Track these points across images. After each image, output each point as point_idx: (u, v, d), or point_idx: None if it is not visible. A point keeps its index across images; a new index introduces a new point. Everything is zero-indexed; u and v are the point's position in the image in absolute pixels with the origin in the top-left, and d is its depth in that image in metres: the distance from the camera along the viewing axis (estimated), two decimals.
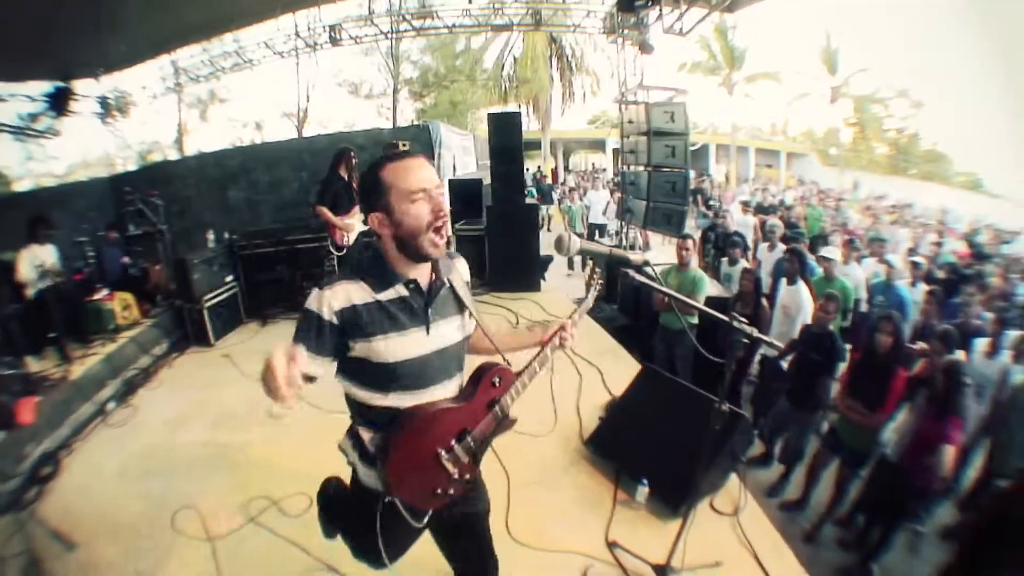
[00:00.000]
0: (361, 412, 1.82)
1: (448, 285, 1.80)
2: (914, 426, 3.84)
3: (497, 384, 1.86)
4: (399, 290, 1.69)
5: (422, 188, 1.60)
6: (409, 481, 1.75)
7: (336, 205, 6.18)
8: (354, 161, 6.30)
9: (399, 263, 1.68)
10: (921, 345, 4.99)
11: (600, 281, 2.28)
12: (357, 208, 6.27)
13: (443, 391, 1.81)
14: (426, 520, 1.86)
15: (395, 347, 1.67)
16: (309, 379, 1.53)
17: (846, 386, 4.44)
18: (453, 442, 1.78)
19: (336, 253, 6.36)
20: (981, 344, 4.90)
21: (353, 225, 6.31)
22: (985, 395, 4.57)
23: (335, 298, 1.61)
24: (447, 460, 1.76)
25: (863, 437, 4.21)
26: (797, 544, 3.90)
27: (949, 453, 3.57)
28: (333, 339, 1.62)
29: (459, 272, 1.89)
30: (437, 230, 1.62)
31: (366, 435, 1.81)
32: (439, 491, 1.80)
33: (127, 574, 3.11)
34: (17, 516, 3.59)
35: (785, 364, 5.27)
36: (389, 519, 1.83)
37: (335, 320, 1.61)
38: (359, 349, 1.66)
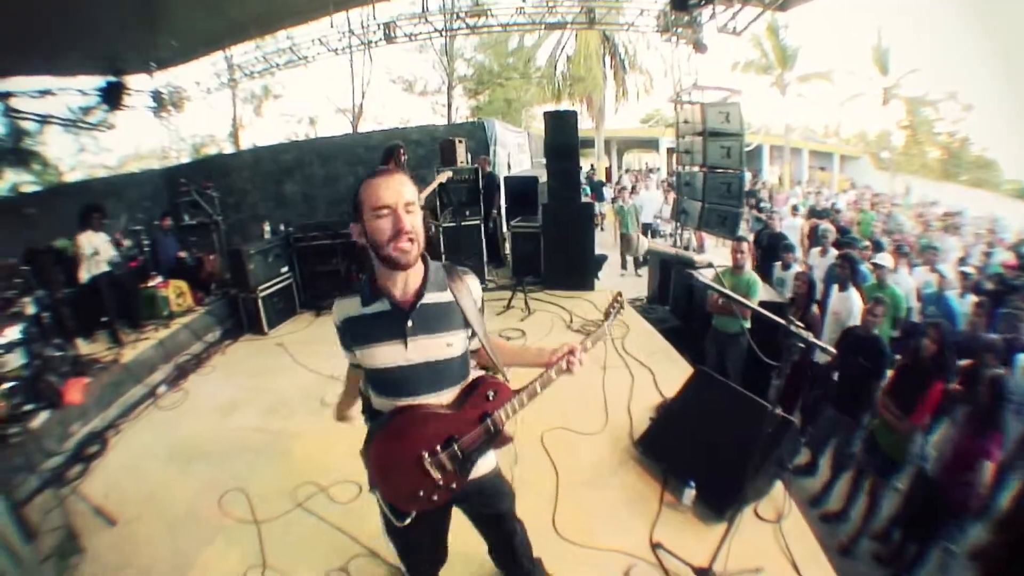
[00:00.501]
0: (368, 407, 2.04)
1: (452, 300, 1.86)
2: (953, 441, 3.75)
3: (491, 398, 1.90)
4: (384, 304, 1.80)
5: (385, 205, 1.67)
6: (391, 479, 1.86)
7: None
8: (403, 157, 6.31)
9: (382, 272, 1.80)
10: (968, 362, 4.87)
11: (621, 309, 2.30)
12: None
13: (436, 399, 1.87)
14: (408, 521, 1.89)
15: (379, 356, 1.81)
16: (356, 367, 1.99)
17: (888, 388, 4.37)
18: (438, 447, 1.84)
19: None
20: None
21: None
22: None
23: (338, 311, 1.87)
24: (430, 464, 1.82)
25: (897, 444, 4.14)
26: (834, 556, 3.86)
27: (988, 469, 3.48)
28: (346, 341, 1.89)
29: (468, 289, 1.92)
30: (397, 243, 1.69)
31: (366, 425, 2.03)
32: (421, 494, 1.84)
33: (170, 551, 3.20)
34: (57, 492, 3.67)
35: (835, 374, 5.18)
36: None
37: (341, 327, 1.88)
38: (356, 354, 1.87)
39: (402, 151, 6.32)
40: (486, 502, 2.11)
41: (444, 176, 6.85)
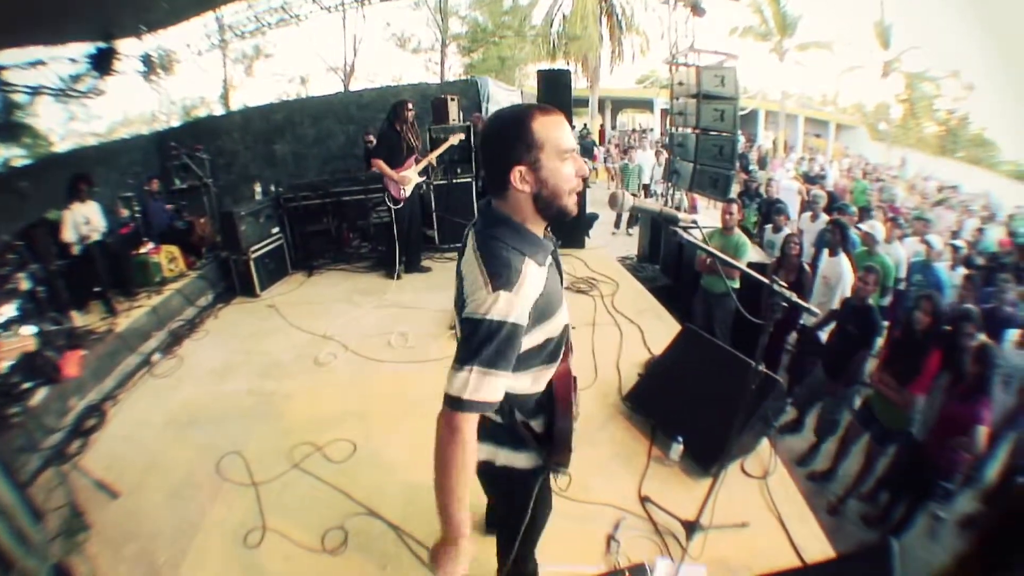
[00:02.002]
0: (518, 407, 1.69)
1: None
2: (941, 407, 3.81)
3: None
4: (550, 254, 1.60)
5: (572, 148, 1.52)
6: (569, 442, 1.77)
7: (391, 158, 6.24)
8: (409, 114, 6.29)
9: (535, 225, 1.57)
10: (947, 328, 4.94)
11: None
12: (413, 160, 6.38)
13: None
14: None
15: (560, 318, 1.62)
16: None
17: (882, 362, 4.44)
18: (572, 394, 1.78)
19: (393, 206, 6.45)
20: (1013, 334, 4.80)
21: (409, 178, 6.37)
22: (1013, 385, 4.51)
23: (531, 291, 1.44)
24: (576, 412, 1.80)
25: (895, 415, 4.19)
26: (821, 515, 3.93)
27: (982, 434, 3.53)
28: (531, 324, 1.48)
29: None
30: (577, 189, 1.55)
31: (535, 423, 1.75)
32: (573, 445, 1.80)
33: (172, 519, 3.22)
34: (60, 469, 3.65)
35: (824, 335, 5.25)
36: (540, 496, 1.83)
37: (527, 319, 1.45)
38: (537, 335, 1.56)
39: (408, 108, 6.28)
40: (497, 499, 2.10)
41: (458, 137, 6.87)
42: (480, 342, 1.37)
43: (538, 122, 1.45)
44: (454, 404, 1.39)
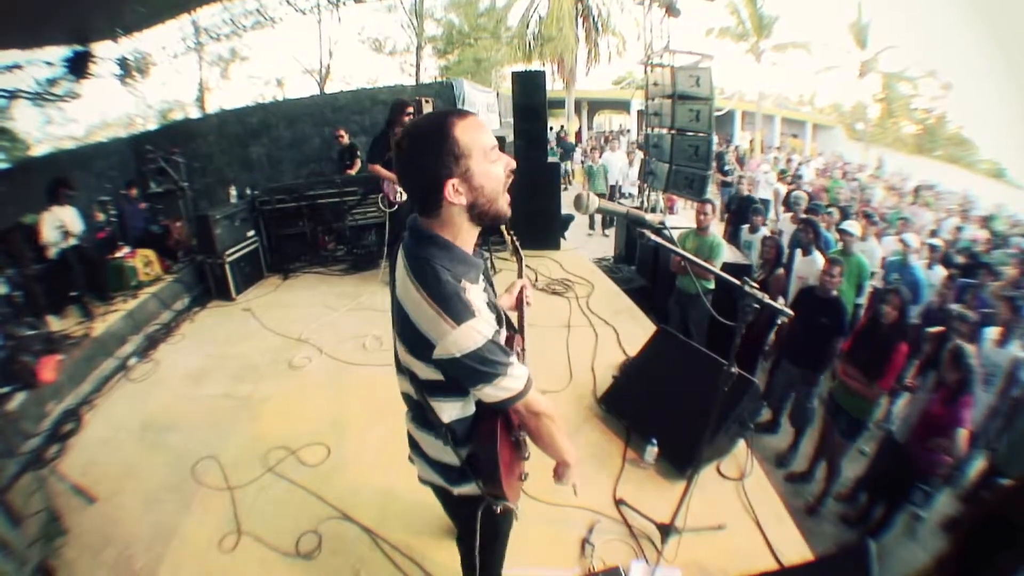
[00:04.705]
0: (461, 431, 1.64)
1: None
2: (922, 408, 3.84)
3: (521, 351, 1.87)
4: (482, 272, 1.58)
5: (495, 145, 1.46)
6: (512, 474, 1.72)
7: (388, 160, 6.07)
8: (407, 117, 5.96)
9: (467, 238, 1.52)
10: (938, 329, 4.98)
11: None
12: None
13: None
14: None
15: (500, 334, 1.55)
16: None
17: (846, 353, 4.45)
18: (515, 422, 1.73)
19: (387, 210, 6.38)
20: (992, 332, 4.87)
21: None
22: (994, 384, 4.57)
23: (481, 304, 1.45)
24: (521, 440, 1.78)
25: (860, 404, 4.23)
26: (799, 516, 3.96)
27: (963, 436, 3.56)
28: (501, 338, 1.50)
29: None
30: (506, 189, 1.51)
31: (462, 450, 1.67)
32: (521, 477, 1.82)
33: (148, 524, 3.20)
34: (37, 474, 3.64)
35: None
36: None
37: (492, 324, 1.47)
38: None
39: (407, 108, 6.07)
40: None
41: None
42: (481, 364, 1.40)
43: (459, 128, 1.38)
44: (516, 398, 1.50)
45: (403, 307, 1.45)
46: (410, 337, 1.45)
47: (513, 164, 1.52)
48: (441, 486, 1.78)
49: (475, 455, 1.66)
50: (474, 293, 1.45)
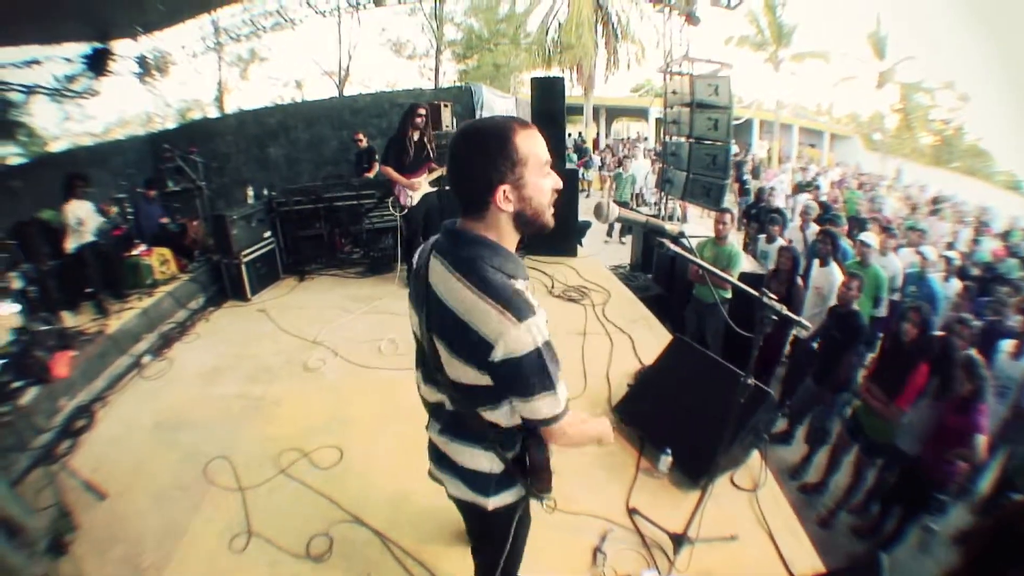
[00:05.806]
0: (508, 438, 1.63)
1: None
2: (935, 419, 3.79)
3: None
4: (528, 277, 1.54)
5: (550, 161, 1.47)
6: (547, 471, 1.70)
7: (401, 163, 6.10)
8: (419, 120, 6.06)
9: (510, 242, 1.51)
10: (939, 334, 4.92)
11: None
12: (427, 168, 6.24)
13: None
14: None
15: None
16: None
17: (870, 373, 4.43)
18: None
19: (399, 214, 6.37)
20: (1007, 345, 4.81)
21: (420, 185, 6.23)
22: (1008, 397, 4.51)
23: (541, 315, 1.42)
24: None
25: (881, 427, 4.17)
26: (812, 527, 3.91)
27: (982, 442, 3.51)
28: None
29: None
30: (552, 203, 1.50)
31: (510, 454, 1.66)
32: (551, 471, 1.75)
33: (158, 523, 3.21)
34: (48, 469, 3.63)
35: (816, 346, 5.23)
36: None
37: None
38: None
39: (420, 112, 6.08)
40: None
41: None
42: (534, 371, 1.39)
43: (520, 136, 1.39)
44: (556, 419, 1.49)
45: (451, 309, 1.42)
46: (460, 340, 1.41)
47: (560, 184, 1.52)
48: (473, 502, 1.72)
49: (520, 458, 1.66)
50: (529, 292, 1.44)
